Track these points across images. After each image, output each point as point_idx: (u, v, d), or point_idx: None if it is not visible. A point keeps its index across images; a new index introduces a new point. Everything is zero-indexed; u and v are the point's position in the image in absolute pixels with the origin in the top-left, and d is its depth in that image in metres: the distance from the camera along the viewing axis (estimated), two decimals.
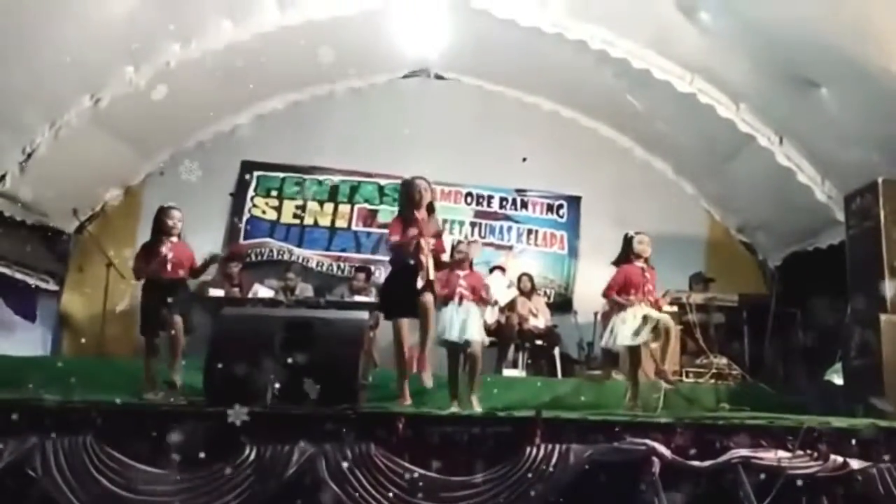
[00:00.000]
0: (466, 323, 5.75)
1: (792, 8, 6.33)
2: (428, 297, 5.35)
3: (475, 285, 5.99)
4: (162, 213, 5.98)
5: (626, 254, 6.12)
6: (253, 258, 9.61)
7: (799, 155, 8.08)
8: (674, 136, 9.33)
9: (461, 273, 5.99)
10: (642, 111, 8.88)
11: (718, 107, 8.10)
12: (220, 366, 4.40)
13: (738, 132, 8.20)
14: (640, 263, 6.06)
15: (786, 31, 6.60)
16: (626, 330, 5.95)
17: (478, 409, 5.59)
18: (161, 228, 5.93)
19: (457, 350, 5.84)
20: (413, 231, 5.38)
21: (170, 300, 5.72)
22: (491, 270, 8.65)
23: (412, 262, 5.35)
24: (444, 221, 9.71)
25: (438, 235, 5.58)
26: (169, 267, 5.82)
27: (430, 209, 5.55)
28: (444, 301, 5.81)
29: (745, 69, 7.56)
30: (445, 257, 5.81)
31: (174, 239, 5.93)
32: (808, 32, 6.48)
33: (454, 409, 5.37)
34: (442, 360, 5.89)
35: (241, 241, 9.74)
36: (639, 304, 5.92)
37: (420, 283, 5.29)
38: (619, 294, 6.01)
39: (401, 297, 5.41)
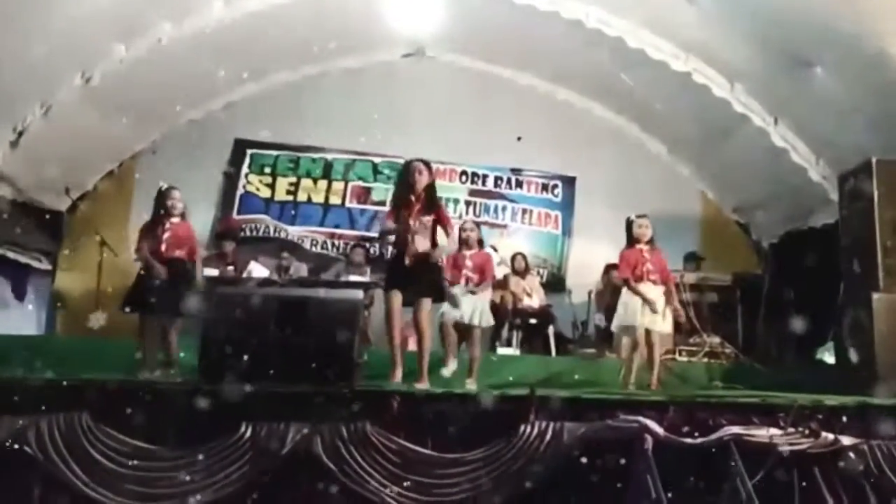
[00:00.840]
0: (474, 309, 5.78)
1: None
2: (424, 305, 5.23)
3: (481, 265, 6.00)
4: (161, 195, 5.99)
5: (629, 238, 6.19)
6: (248, 233, 9.58)
7: (793, 135, 8.09)
8: (669, 116, 9.31)
9: (468, 253, 6.02)
10: (637, 91, 8.85)
11: (713, 86, 8.09)
12: (214, 345, 4.41)
13: (733, 112, 8.19)
14: (640, 246, 6.11)
15: (781, 10, 6.57)
16: (622, 311, 6.06)
17: (471, 386, 5.63)
18: (161, 209, 5.93)
19: (458, 327, 5.89)
20: (405, 213, 5.35)
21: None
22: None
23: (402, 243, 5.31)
24: (439, 199, 9.71)
25: (435, 212, 5.42)
26: (164, 247, 5.82)
27: (430, 189, 5.47)
28: (450, 283, 5.85)
29: (740, 49, 7.54)
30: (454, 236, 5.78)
31: (175, 219, 5.93)
32: (804, 12, 6.45)
33: (449, 368, 5.41)
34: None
35: (235, 216, 9.71)
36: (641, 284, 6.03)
37: (408, 261, 5.23)
38: (622, 275, 6.14)
39: (396, 273, 5.39)
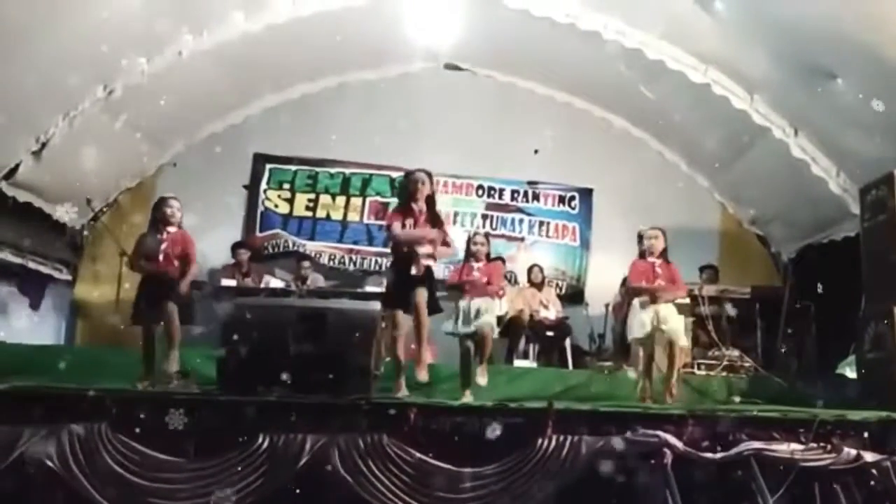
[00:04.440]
0: (478, 314, 5.76)
1: None
2: (420, 294, 5.24)
3: (487, 276, 5.98)
4: (159, 204, 5.93)
5: (641, 250, 6.15)
6: (270, 250, 9.70)
7: (814, 147, 8.02)
8: (687, 128, 9.27)
9: (476, 265, 6.01)
10: (656, 102, 8.83)
11: (733, 98, 8.04)
12: (233, 355, 4.43)
13: (752, 124, 8.14)
14: (651, 259, 6.08)
15: (801, 21, 6.53)
16: (636, 323, 6.01)
17: (482, 381, 5.61)
18: (158, 219, 5.87)
19: (467, 341, 5.87)
20: (410, 222, 5.36)
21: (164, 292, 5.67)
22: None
23: (407, 252, 5.31)
24: (456, 214, 9.76)
25: (440, 226, 5.46)
26: (161, 258, 5.75)
27: (431, 201, 5.49)
28: (457, 293, 5.84)
29: (759, 60, 7.50)
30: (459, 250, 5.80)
31: (171, 229, 5.86)
32: (824, 23, 6.41)
33: (466, 399, 5.37)
34: (454, 350, 5.91)
35: (257, 233, 9.80)
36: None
37: (413, 271, 5.23)
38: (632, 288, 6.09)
39: (397, 289, 5.41)
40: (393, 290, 5.45)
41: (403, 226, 5.36)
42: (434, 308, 5.40)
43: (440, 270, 5.88)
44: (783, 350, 7.98)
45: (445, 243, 5.49)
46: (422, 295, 5.25)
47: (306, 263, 8.93)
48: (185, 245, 5.89)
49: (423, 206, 5.42)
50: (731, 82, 8.00)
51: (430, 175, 5.50)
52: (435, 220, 5.46)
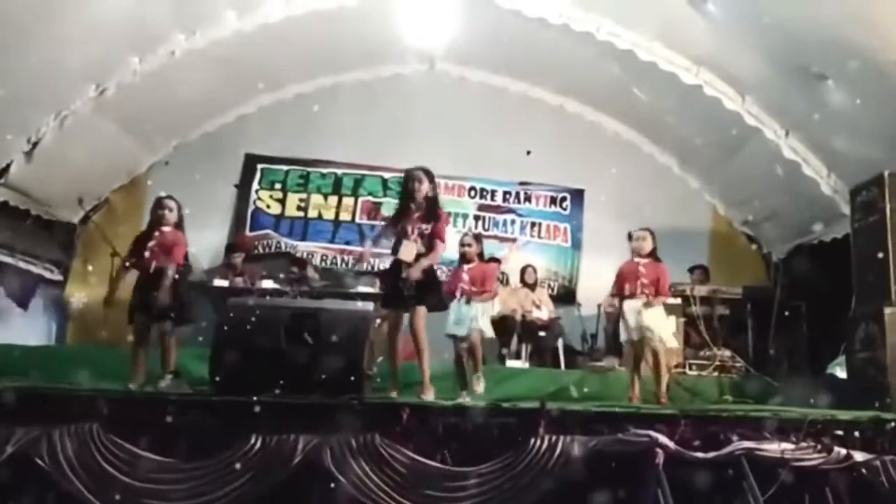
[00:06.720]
0: (471, 318, 5.78)
1: (800, 0, 6.32)
2: (418, 316, 5.25)
3: (477, 277, 6.00)
4: (154, 204, 5.91)
5: (631, 250, 6.21)
6: (260, 250, 9.66)
7: (805, 148, 8.04)
8: (679, 129, 9.30)
9: (465, 267, 6.03)
10: (648, 103, 8.85)
11: (724, 99, 8.05)
12: (226, 356, 4.43)
13: (744, 125, 8.16)
14: (637, 259, 6.16)
15: (794, 23, 6.56)
16: (625, 325, 6.07)
17: (479, 389, 5.63)
18: (153, 220, 5.86)
19: (462, 343, 5.89)
20: (404, 222, 5.37)
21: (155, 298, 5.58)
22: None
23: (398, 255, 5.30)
24: (448, 215, 9.73)
25: (435, 223, 5.39)
26: (148, 255, 5.69)
27: (431, 199, 5.45)
28: (449, 296, 5.85)
29: (751, 61, 7.52)
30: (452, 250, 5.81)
31: (165, 228, 5.81)
32: (816, 25, 6.45)
33: (462, 399, 5.38)
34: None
35: (248, 233, 9.76)
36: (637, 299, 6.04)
37: (405, 275, 5.22)
38: (618, 289, 6.17)
39: (390, 290, 5.41)
40: (390, 283, 5.44)
41: (396, 227, 5.38)
42: (437, 306, 5.44)
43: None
44: (774, 350, 8.02)
45: (431, 247, 5.35)
46: (421, 313, 5.24)
47: (294, 269, 8.89)
48: (177, 244, 5.80)
49: (422, 205, 5.39)
50: (723, 84, 8.01)
51: (428, 173, 5.45)
52: (431, 216, 5.39)
